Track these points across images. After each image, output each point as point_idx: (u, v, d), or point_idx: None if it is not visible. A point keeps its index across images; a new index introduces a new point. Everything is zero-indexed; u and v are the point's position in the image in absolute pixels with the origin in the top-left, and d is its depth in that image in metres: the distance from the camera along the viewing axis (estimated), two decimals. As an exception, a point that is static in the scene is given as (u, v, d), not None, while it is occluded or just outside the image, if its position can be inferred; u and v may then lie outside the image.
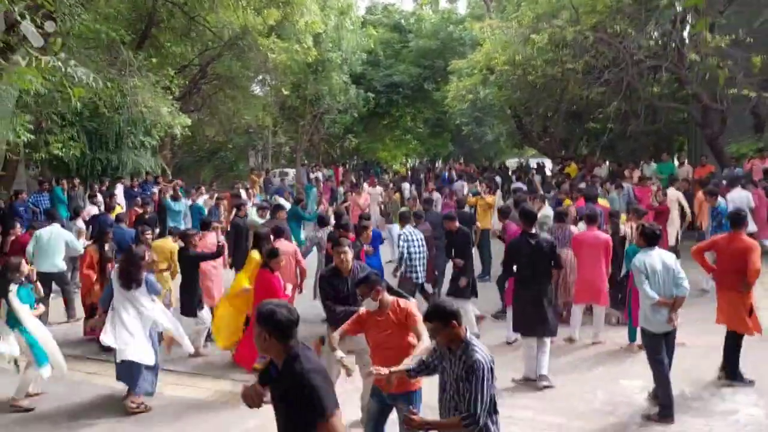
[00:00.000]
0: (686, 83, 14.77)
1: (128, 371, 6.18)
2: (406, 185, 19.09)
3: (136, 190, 15.85)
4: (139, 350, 6.12)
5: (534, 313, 6.53)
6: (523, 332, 6.67)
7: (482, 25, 19.26)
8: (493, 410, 3.59)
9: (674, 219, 11.41)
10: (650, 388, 5.95)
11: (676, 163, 16.63)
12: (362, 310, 4.64)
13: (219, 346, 7.24)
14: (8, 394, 6.36)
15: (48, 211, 11.71)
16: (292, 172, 28.00)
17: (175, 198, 13.95)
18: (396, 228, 11.90)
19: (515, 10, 17.35)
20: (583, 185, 13.95)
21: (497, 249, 10.15)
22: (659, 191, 11.86)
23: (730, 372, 6.36)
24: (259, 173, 23.87)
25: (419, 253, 8.20)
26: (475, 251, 9.38)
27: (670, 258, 5.88)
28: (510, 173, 22.74)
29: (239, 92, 20.01)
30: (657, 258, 5.79)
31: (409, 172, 29.00)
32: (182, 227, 12.29)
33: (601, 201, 10.60)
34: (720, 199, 10.01)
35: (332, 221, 9.60)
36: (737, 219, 6.45)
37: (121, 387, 6.49)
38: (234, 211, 11.20)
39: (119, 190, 15.33)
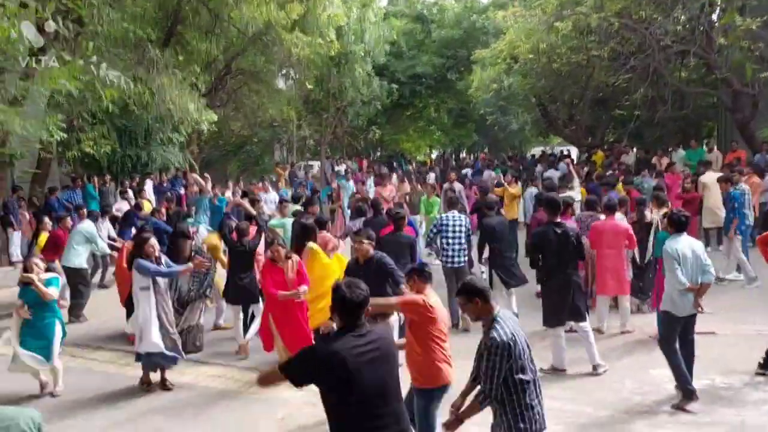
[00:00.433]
0: (715, 68, 14.50)
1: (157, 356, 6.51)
2: (431, 175, 19.09)
3: (165, 185, 16.11)
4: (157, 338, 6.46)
5: (561, 302, 6.51)
6: (551, 323, 6.65)
7: (505, 14, 19.10)
8: (521, 389, 3.60)
9: (716, 201, 10.80)
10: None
11: (705, 149, 16.32)
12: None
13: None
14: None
15: (77, 207, 12.03)
16: (316, 165, 28.14)
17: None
18: (417, 218, 11.96)
19: (539, -2, 17.19)
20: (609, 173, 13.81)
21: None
22: (688, 178, 11.70)
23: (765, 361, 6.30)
24: (284, 166, 24.06)
25: (455, 238, 8.20)
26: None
27: (698, 245, 5.90)
28: (533, 162, 22.50)
29: (263, 87, 20.15)
30: (686, 244, 5.82)
31: (435, 163, 28.95)
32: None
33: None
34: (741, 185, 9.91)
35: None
36: None
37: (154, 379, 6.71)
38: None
39: (148, 186, 15.61)
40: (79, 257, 9.54)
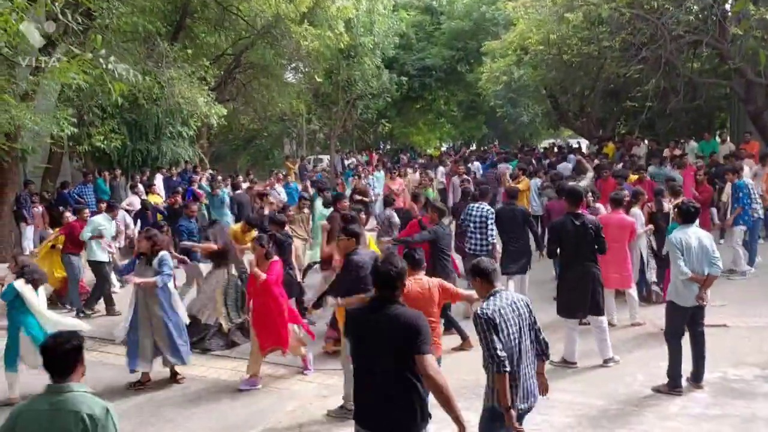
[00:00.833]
0: (728, 58, 14.31)
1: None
2: (441, 169, 19.02)
3: (175, 179, 16.17)
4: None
5: (579, 295, 6.44)
6: (567, 315, 6.59)
7: (516, 5, 18.95)
8: (511, 362, 3.84)
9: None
10: (689, 370, 5.88)
11: (718, 140, 16.15)
12: None
13: None
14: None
15: (97, 200, 12.14)
16: (326, 158, 28.16)
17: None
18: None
19: (549, -12, 17.02)
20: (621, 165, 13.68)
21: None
22: (701, 170, 11.58)
23: None
24: (294, 160, 24.12)
25: (477, 227, 8.27)
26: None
27: (706, 236, 5.86)
28: (543, 156, 22.34)
29: (273, 80, 20.16)
30: (693, 235, 5.79)
31: (446, 155, 28.83)
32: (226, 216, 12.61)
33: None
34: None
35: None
36: None
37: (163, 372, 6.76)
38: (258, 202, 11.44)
39: (158, 180, 15.68)
40: (93, 251, 9.55)
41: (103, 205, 10.60)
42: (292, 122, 28.65)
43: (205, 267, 8.87)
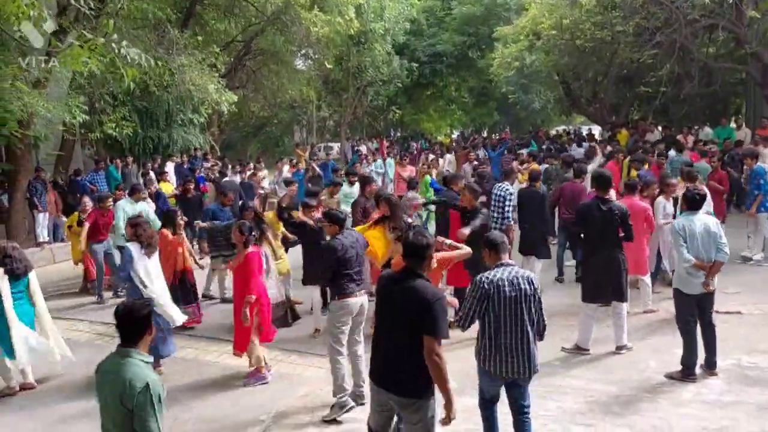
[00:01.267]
0: (745, 42, 14.10)
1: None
2: (448, 156, 18.95)
3: (185, 167, 16.21)
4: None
5: (604, 280, 6.37)
6: (591, 300, 6.49)
7: (528, -11, 18.79)
8: (493, 328, 4.26)
9: None
10: (703, 357, 5.84)
11: (734, 126, 15.95)
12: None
13: None
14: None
15: (117, 186, 12.10)
16: (336, 146, 28.13)
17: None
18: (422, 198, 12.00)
19: (562, -28, 16.83)
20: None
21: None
22: (715, 156, 11.43)
23: None
24: (304, 148, 24.06)
25: (496, 206, 8.35)
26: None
27: (712, 222, 5.79)
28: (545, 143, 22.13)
29: (283, 67, 20.12)
30: (698, 222, 5.73)
31: (456, 142, 28.69)
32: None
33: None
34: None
35: None
36: None
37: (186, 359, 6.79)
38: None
39: (170, 168, 15.71)
40: (120, 236, 9.15)
41: (122, 192, 10.45)
42: (302, 109, 28.62)
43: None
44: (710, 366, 5.81)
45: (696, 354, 5.76)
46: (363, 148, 22.17)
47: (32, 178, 12.93)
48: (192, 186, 11.93)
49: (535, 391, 5.64)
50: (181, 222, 7.83)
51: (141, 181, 14.57)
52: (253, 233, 6.48)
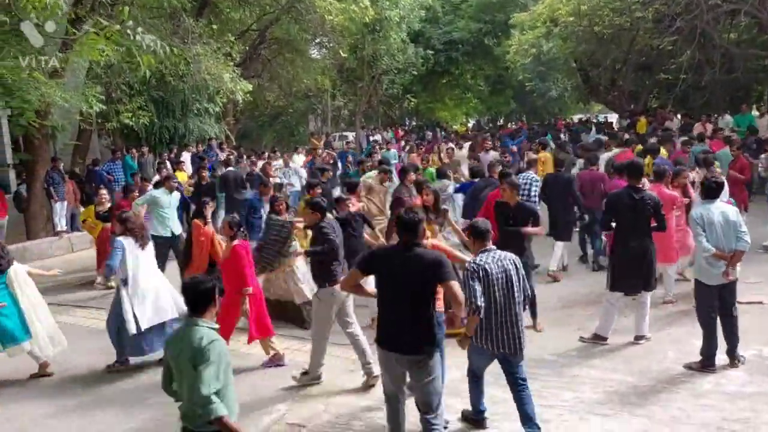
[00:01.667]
0: (768, 27, 13.85)
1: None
2: (466, 146, 18.86)
3: (200, 154, 16.23)
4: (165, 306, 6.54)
5: (635, 270, 6.27)
6: (621, 290, 6.39)
7: (545, -25, 18.55)
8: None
9: None
10: (724, 348, 5.75)
11: (755, 113, 15.67)
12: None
13: None
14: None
15: (142, 178, 12.14)
16: (351, 135, 28.08)
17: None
18: (452, 186, 11.85)
19: (580, -42, 16.58)
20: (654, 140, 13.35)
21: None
22: (735, 144, 11.21)
23: None
24: (319, 137, 24.08)
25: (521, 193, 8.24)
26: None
27: (731, 211, 5.69)
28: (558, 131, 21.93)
29: (298, 56, 20.09)
30: (716, 211, 5.62)
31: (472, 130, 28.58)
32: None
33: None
34: None
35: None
36: None
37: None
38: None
39: (186, 157, 15.76)
40: (154, 226, 8.91)
41: (147, 183, 10.35)
42: (317, 98, 28.56)
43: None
44: (731, 356, 5.72)
45: (716, 345, 5.68)
46: (378, 137, 22.11)
47: (49, 168, 13.03)
48: (205, 173, 11.92)
49: (553, 382, 5.62)
50: (209, 212, 7.81)
51: (155, 170, 14.63)
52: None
